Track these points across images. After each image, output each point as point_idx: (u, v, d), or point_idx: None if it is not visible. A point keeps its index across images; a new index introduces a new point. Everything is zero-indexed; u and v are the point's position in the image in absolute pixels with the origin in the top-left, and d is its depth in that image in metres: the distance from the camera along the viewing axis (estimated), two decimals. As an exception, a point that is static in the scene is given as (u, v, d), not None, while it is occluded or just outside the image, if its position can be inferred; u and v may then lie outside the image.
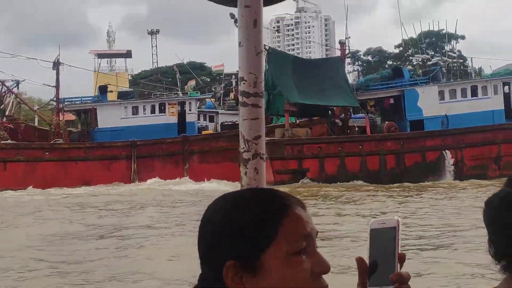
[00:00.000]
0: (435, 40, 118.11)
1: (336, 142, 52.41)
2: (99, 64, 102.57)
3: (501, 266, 2.32)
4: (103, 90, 69.32)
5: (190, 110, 65.29)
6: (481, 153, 51.28)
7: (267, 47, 59.22)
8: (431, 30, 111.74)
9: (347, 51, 63.35)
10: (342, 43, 61.38)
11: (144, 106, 65.39)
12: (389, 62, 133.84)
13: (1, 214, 34.35)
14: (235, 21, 57.24)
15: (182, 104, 65.97)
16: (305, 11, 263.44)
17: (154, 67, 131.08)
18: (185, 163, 59.35)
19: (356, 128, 57.05)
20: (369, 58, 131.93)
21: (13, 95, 72.18)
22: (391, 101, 57.05)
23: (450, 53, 70.08)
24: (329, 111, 58.51)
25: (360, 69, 58.57)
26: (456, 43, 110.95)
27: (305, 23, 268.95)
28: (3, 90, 71.33)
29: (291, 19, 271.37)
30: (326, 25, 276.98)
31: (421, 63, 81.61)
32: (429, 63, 64.71)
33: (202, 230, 1.90)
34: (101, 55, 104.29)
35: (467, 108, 54.49)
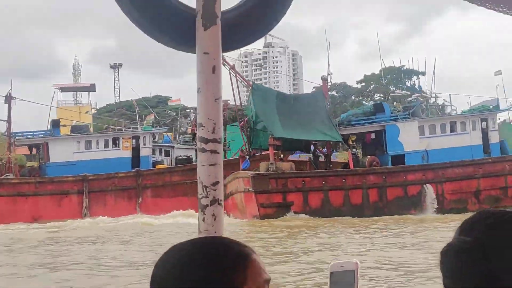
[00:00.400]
0: (396, 76, 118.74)
1: (319, 176, 53.07)
2: (59, 98, 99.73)
3: None
4: (55, 124, 68.65)
5: (144, 144, 64.84)
6: (460, 188, 51.80)
7: (251, 82, 61.78)
8: (393, 66, 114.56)
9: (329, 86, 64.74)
10: (324, 79, 61.91)
11: (97, 140, 64.88)
12: (352, 97, 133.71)
13: None
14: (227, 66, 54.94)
15: (136, 138, 65.39)
16: (273, 46, 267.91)
17: (116, 101, 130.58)
18: (138, 198, 58.98)
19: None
20: (334, 93, 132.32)
21: None
22: (373, 136, 58.25)
23: (424, 92, 69.78)
24: (312, 146, 58.97)
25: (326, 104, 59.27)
26: (417, 79, 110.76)
27: (273, 57, 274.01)
28: None
29: (259, 54, 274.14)
30: (293, 60, 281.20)
31: (385, 97, 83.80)
32: (409, 99, 66.44)
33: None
34: (64, 89, 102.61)
35: (446, 143, 55.33)
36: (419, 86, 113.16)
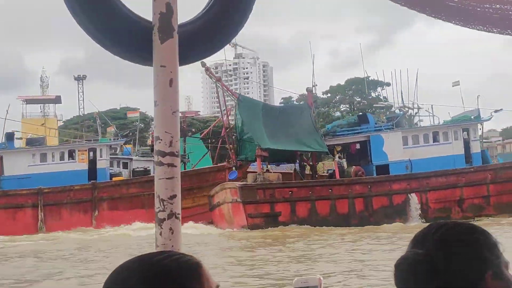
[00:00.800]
0: (361, 87, 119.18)
1: (306, 186, 53.43)
2: (25, 110, 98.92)
3: None
4: (9, 137, 68.06)
5: (101, 156, 64.23)
6: (444, 196, 52.24)
7: (237, 94, 61.94)
8: (358, 77, 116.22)
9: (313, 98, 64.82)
10: (309, 91, 62.74)
11: (53, 153, 64.23)
12: (319, 108, 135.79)
13: None
14: (206, 70, 56.29)
15: (93, 150, 64.78)
16: (243, 57, 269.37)
17: (81, 113, 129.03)
18: (94, 211, 58.24)
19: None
20: (302, 103, 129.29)
21: None
22: (357, 146, 58.57)
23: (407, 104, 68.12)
24: (298, 156, 59.37)
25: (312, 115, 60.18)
26: (382, 89, 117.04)
27: (243, 68, 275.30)
28: None
29: (230, 65, 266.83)
30: (264, 71, 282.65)
31: (350, 108, 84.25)
32: (392, 109, 68.17)
33: None
34: (29, 101, 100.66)
35: (429, 153, 56.10)
36: (384, 97, 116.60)
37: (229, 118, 68.39)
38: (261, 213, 50.82)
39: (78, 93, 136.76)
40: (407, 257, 2.25)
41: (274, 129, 55.29)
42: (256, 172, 57.28)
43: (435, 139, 57.77)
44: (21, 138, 73.64)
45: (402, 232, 42.61)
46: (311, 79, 68.51)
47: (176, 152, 3.09)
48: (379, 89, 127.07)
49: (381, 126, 60.22)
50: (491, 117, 66.45)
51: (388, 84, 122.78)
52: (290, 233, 46.32)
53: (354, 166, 57.06)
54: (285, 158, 59.05)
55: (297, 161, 59.84)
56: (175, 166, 3.05)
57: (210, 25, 3.37)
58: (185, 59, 3.27)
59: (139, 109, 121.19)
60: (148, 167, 66.53)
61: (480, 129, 61.95)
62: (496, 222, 47.42)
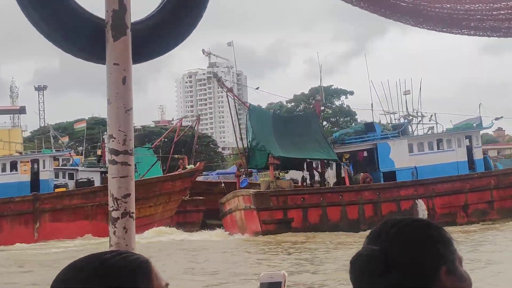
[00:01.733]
0: (325, 96, 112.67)
1: (318, 193, 54.58)
2: None
3: None
4: None
5: (44, 167, 63.05)
6: (450, 202, 53.43)
7: (248, 104, 62.99)
8: (323, 86, 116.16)
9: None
10: (317, 101, 66.61)
11: None
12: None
13: None
14: (218, 81, 56.98)
15: (36, 161, 63.59)
16: (218, 66, 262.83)
17: (41, 124, 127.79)
18: (35, 223, 57.17)
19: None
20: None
21: None
22: (365, 153, 60.14)
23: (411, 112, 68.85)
24: (307, 164, 60.60)
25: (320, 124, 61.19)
26: (345, 98, 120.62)
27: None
28: None
29: (204, 74, 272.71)
30: (238, 80, 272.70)
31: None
32: (397, 118, 67.16)
33: None
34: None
35: (434, 160, 57.05)
36: (347, 105, 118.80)
37: (199, 128, 71.34)
38: (274, 219, 51.52)
39: (39, 103, 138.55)
40: (362, 253, 2.30)
41: (284, 138, 56.30)
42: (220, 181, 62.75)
43: (439, 147, 58.81)
44: None
45: None
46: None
47: (130, 150, 3.09)
48: (343, 97, 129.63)
49: (387, 134, 61.50)
50: (493, 125, 67.89)
51: (352, 93, 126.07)
52: (301, 238, 46.77)
53: (362, 173, 57.98)
54: (294, 166, 60.01)
55: (304, 168, 61.38)
56: (129, 165, 3.07)
57: (164, 24, 3.39)
58: (139, 57, 3.27)
59: (85, 119, 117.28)
60: (92, 177, 66.11)
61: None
62: (500, 226, 48.78)
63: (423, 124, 68.72)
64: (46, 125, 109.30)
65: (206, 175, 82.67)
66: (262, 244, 45.71)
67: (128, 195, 2.97)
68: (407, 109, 68.74)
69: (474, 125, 62.04)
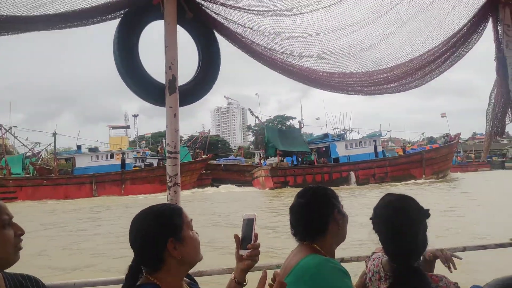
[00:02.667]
0: (281, 120, 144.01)
1: (301, 168, 65.64)
2: (110, 132, 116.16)
3: (296, 239, 3.09)
4: (79, 147, 78.00)
5: (128, 157, 74.21)
6: (367, 172, 64.48)
7: (265, 123, 73.97)
8: (280, 114, 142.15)
9: (302, 125, 78.30)
10: (300, 121, 78.09)
11: (102, 155, 73.60)
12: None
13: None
14: (249, 110, 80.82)
15: (124, 154, 74.88)
16: (231, 104, 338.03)
17: (136, 135, 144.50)
18: (122, 185, 67.90)
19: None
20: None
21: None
22: (323, 149, 71.87)
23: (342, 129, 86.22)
24: (295, 154, 70.27)
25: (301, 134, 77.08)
26: (291, 121, 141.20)
27: (232, 110, 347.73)
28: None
29: (225, 108, 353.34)
30: (242, 112, 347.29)
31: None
32: (338, 133, 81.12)
33: (141, 228, 2.64)
34: (113, 127, 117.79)
35: (358, 152, 69.75)
36: (292, 124, 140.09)
37: (215, 136, 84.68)
38: (279, 181, 61.23)
39: (135, 124, 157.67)
40: (295, 203, 3.04)
41: (284, 140, 67.62)
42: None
43: (360, 145, 70.95)
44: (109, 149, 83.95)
45: (345, 190, 50.01)
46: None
47: (177, 151, 3.86)
48: (290, 121, 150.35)
49: (334, 139, 73.50)
50: (386, 134, 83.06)
51: (294, 118, 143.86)
52: (291, 190, 50.05)
53: (322, 158, 69.41)
54: (289, 154, 69.43)
55: (294, 156, 70.79)
56: (176, 159, 3.82)
57: (196, 86, 4.21)
58: (183, 103, 4.00)
59: (152, 132, 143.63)
60: (152, 162, 78.07)
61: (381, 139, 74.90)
62: (391, 186, 54.37)
63: (352, 133, 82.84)
64: (136, 136, 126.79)
65: (218, 160, 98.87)
66: (272, 195, 50.29)
67: (176, 174, 3.80)
68: (344, 126, 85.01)
69: (377, 134, 74.34)
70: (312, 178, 63.01)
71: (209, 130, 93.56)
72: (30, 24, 3.57)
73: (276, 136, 68.51)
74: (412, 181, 63.07)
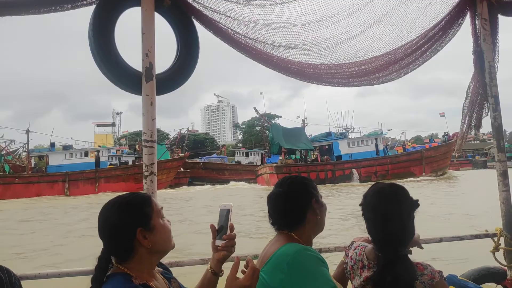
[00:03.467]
0: (267, 118, 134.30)
1: (305, 165, 65.20)
2: (95, 130, 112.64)
3: (274, 228, 3.03)
4: (52, 145, 74.94)
5: (102, 155, 72.46)
6: (369, 170, 63.93)
7: (270, 122, 74.69)
8: (265, 113, 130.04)
9: (306, 124, 77.94)
10: (303, 120, 78.23)
11: (76, 153, 71.33)
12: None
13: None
14: (254, 108, 79.48)
15: (98, 152, 73.14)
16: (221, 102, 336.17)
17: (119, 133, 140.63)
18: (96, 183, 65.98)
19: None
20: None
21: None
22: (326, 146, 71.64)
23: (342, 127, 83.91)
24: (299, 151, 70.40)
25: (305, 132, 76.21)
26: (277, 119, 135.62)
27: (222, 108, 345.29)
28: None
29: (215, 106, 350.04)
30: (233, 110, 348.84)
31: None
32: (341, 131, 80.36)
33: (110, 218, 2.55)
34: (99, 125, 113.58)
35: (360, 150, 69.05)
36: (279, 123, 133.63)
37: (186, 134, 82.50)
38: None
39: (118, 122, 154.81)
40: (274, 192, 3.03)
41: (288, 138, 67.85)
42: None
43: (362, 143, 70.46)
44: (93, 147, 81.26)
45: (349, 187, 50.48)
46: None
47: (154, 140, 3.73)
48: (276, 119, 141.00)
49: (337, 137, 73.09)
50: (386, 133, 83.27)
51: (280, 116, 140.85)
52: None
53: (325, 156, 69.23)
54: (293, 152, 70.13)
55: (297, 153, 70.89)
56: (153, 147, 3.72)
57: (173, 75, 4.07)
58: (159, 92, 3.86)
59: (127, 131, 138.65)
60: (127, 160, 76.87)
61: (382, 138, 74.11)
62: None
63: (354, 132, 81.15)
64: (117, 134, 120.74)
65: (200, 158, 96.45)
66: None
67: (153, 163, 3.70)
68: (346, 124, 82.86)
69: (379, 133, 74.12)
70: (316, 175, 62.64)
71: (188, 128, 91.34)
72: (1, 8, 3.45)
73: (281, 134, 68.64)
74: (412, 178, 62.94)
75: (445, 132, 79.06)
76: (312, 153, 71.38)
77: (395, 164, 66.14)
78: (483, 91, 4.94)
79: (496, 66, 4.94)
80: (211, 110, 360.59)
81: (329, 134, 76.49)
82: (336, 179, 62.15)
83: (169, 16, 4.11)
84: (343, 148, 70.50)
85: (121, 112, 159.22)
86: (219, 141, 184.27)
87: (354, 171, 64.20)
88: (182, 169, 76.13)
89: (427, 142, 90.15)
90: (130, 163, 74.73)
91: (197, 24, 4.21)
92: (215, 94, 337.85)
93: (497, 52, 4.96)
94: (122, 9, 3.90)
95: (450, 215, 21.68)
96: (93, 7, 3.83)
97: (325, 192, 43.29)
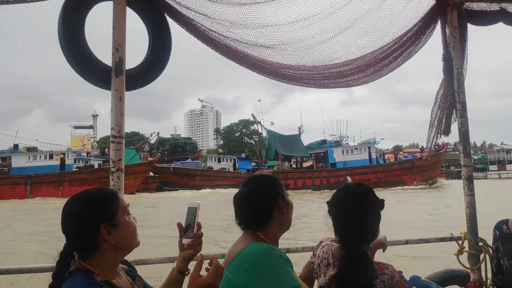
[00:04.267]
0: (245, 125, 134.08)
1: (300, 171, 66.78)
2: (73, 132, 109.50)
3: (241, 228, 2.92)
4: (15, 146, 73.61)
5: (68, 157, 68.47)
6: (362, 177, 62.65)
7: (266, 129, 73.94)
8: (244, 119, 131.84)
9: (302, 131, 77.49)
10: (299, 128, 77.52)
11: (41, 155, 67.49)
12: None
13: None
14: (253, 116, 79.53)
15: (64, 154, 69.01)
16: (205, 107, 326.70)
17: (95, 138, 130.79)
18: (60, 186, 62.19)
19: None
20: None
21: None
22: (322, 154, 72.78)
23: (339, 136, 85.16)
24: (295, 158, 71.49)
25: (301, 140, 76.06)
26: (256, 125, 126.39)
27: (206, 114, 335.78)
28: None
29: (199, 111, 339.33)
30: (216, 115, 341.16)
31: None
32: (336, 139, 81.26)
33: (73, 213, 2.39)
34: (76, 127, 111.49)
35: (353, 158, 70.33)
36: (256, 129, 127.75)
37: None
38: None
39: (95, 124, 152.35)
40: (239, 192, 2.89)
41: (284, 145, 68.81)
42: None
43: (355, 152, 71.64)
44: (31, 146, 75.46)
45: None
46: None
47: (122, 135, 3.56)
48: (255, 125, 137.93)
49: (332, 145, 74.32)
50: (379, 142, 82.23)
51: (259, 122, 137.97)
52: (292, 194, 50.46)
53: (320, 163, 70.67)
54: (289, 159, 71.19)
55: (293, 160, 71.92)
56: (121, 143, 3.57)
57: (143, 71, 3.92)
58: (129, 87, 3.71)
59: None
60: (93, 164, 73.09)
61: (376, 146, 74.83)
62: (384, 191, 53.82)
63: (347, 140, 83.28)
64: (90, 136, 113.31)
65: (175, 163, 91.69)
66: None
67: (120, 159, 3.56)
68: (340, 132, 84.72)
69: (372, 142, 74.99)
70: (311, 181, 64.36)
71: (158, 132, 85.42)
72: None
73: (277, 141, 69.74)
74: (406, 186, 63.70)
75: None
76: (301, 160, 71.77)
77: (387, 173, 66.94)
78: (451, 97, 4.90)
79: (464, 74, 4.94)
80: (195, 114, 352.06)
81: (324, 141, 77.79)
82: (331, 185, 61.85)
83: (141, 12, 3.95)
84: (338, 156, 71.36)
85: (97, 115, 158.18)
86: (201, 146, 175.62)
87: (349, 178, 58.65)
88: (152, 174, 72.39)
89: (409, 151, 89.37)
90: (97, 166, 71.55)
91: (170, 22, 4.06)
92: (199, 98, 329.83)
93: (465, 60, 4.97)
94: (93, 2, 3.77)
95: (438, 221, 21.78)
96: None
97: (323, 196, 43.26)
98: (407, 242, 4.52)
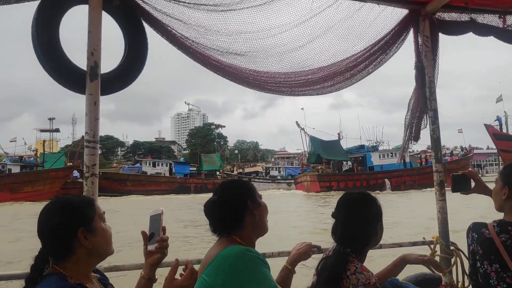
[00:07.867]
0: (209, 128, 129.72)
1: (343, 174, 64.80)
2: (38, 135, 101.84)
3: (216, 235, 2.75)
4: None
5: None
6: (398, 179, 62.80)
7: (309, 135, 70.28)
8: (209, 122, 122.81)
9: (341, 137, 75.95)
10: (339, 134, 76.14)
11: None
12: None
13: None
14: (295, 122, 71.50)
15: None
16: (192, 110, 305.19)
17: (69, 141, 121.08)
18: None
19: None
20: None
21: None
22: (360, 158, 70.80)
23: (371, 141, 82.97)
24: (334, 162, 68.09)
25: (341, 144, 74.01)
26: (220, 129, 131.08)
27: (192, 117, 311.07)
28: None
29: (185, 115, 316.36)
30: (203, 118, 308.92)
31: None
32: (373, 144, 79.73)
33: (49, 220, 2.25)
34: (42, 130, 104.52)
35: (390, 161, 67.63)
36: (221, 133, 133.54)
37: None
38: (325, 186, 60.88)
39: (73, 128, 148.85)
40: (209, 200, 2.74)
41: (326, 149, 66.80)
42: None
43: (391, 156, 69.11)
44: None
45: (382, 195, 47.89)
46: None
47: (96, 140, 3.29)
48: (220, 129, 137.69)
49: (370, 149, 72.88)
50: (412, 147, 73.55)
51: (224, 126, 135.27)
52: (335, 194, 51.20)
53: (360, 167, 68.74)
54: (331, 162, 67.70)
55: (332, 163, 68.12)
56: (95, 148, 3.30)
57: (119, 76, 3.65)
58: (104, 92, 3.46)
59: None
60: (10, 168, 62.16)
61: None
62: (419, 191, 54.32)
63: (383, 145, 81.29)
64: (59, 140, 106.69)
65: (123, 168, 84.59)
66: (319, 196, 49.88)
67: (94, 164, 3.29)
68: (376, 138, 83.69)
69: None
70: (352, 183, 62.18)
71: (83, 136, 77.23)
72: None
73: (320, 146, 67.63)
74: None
75: (462, 147, 78.38)
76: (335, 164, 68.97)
77: (421, 175, 64.30)
78: (423, 104, 4.71)
79: (435, 82, 4.75)
80: (181, 118, 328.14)
81: (362, 146, 76.12)
82: (370, 187, 60.08)
83: (117, 16, 3.71)
84: (375, 160, 69.91)
85: (75, 119, 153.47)
86: (186, 150, 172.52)
87: (387, 180, 63.03)
88: (79, 178, 61.44)
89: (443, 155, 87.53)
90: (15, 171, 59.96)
91: (147, 26, 3.84)
92: (185, 102, 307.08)
93: (437, 68, 4.76)
94: (68, 6, 3.54)
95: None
96: (38, 1, 3.47)
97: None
98: (380, 246, 4.25)
